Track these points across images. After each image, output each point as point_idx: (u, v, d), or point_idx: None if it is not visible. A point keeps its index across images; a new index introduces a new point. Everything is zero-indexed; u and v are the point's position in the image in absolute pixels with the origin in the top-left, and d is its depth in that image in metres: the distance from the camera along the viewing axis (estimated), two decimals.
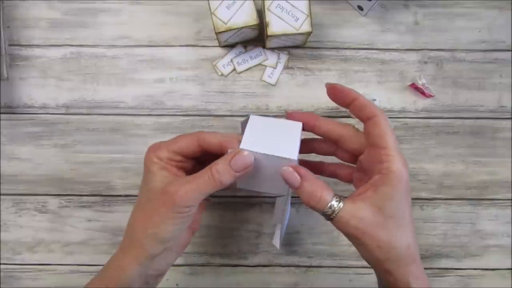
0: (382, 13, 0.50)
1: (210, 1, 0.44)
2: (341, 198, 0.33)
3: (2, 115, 0.49)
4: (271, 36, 0.44)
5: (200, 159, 0.38)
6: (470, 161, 0.50)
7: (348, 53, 0.50)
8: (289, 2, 0.44)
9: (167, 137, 0.38)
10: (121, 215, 0.49)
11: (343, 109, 0.37)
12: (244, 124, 0.38)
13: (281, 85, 0.50)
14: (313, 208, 0.33)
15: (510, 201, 0.50)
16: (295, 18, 0.44)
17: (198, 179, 0.34)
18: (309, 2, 0.44)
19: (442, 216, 0.50)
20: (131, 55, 0.50)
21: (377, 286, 0.38)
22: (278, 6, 0.44)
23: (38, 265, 0.49)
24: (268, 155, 0.34)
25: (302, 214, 0.49)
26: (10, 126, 0.49)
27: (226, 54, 0.50)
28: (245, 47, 0.50)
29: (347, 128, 0.38)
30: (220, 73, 0.50)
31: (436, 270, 0.49)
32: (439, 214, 0.50)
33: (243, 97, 0.50)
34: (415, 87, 0.49)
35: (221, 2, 0.44)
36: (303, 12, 0.44)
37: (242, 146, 0.34)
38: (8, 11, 0.49)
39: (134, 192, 0.49)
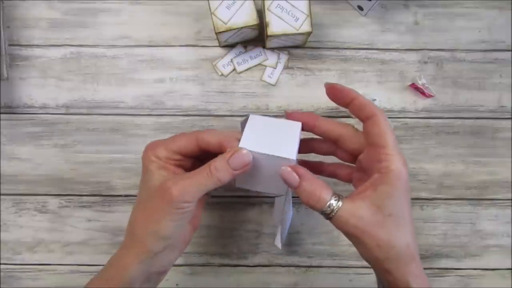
0: (382, 13, 0.50)
1: (210, 1, 0.44)
2: (340, 197, 0.33)
3: (2, 115, 0.49)
4: (271, 36, 0.44)
5: (200, 157, 0.38)
6: (470, 161, 0.50)
7: (348, 53, 0.50)
8: (289, 2, 0.44)
9: (167, 137, 0.37)
10: (121, 215, 0.49)
11: (343, 109, 0.37)
12: (243, 124, 0.38)
13: (281, 85, 0.50)
14: (312, 207, 0.33)
15: (510, 201, 0.50)
16: (295, 18, 0.44)
17: (197, 175, 0.34)
18: (309, 2, 0.44)
19: (442, 216, 0.50)
20: (131, 55, 0.50)
21: (376, 286, 0.38)
22: (278, 6, 0.44)
23: (38, 265, 0.49)
24: (267, 154, 0.34)
25: (302, 214, 0.49)
26: (10, 126, 0.49)
27: (226, 54, 0.50)
28: (245, 47, 0.50)
29: (347, 128, 0.38)
30: (220, 73, 0.50)
31: (436, 270, 0.49)
32: (439, 214, 0.50)
33: (243, 97, 0.50)
34: (415, 87, 0.49)
35: (221, 2, 0.44)
36: (303, 12, 0.44)
37: (241, 145, 0.35)
38: (8, 11, 0.49)
39: (134, 192, 0.49)
